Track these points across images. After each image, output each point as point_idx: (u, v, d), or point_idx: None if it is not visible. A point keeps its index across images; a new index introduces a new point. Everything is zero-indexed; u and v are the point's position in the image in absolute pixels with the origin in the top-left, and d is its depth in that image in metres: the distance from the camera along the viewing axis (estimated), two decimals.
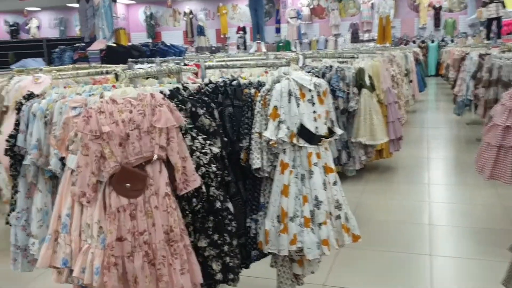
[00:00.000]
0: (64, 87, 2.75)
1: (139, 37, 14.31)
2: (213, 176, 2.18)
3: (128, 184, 1.96)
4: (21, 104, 2.67)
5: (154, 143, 2.00)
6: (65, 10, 13.42)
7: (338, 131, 2.61)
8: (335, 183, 2.52)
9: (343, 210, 2.52)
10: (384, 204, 4.93)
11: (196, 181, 2.06)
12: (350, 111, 4.74)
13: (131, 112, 2.01)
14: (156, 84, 2.40)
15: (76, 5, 9.45)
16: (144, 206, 1.97)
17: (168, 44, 8.57)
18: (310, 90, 2.46)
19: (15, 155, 2.66)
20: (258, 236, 2.50)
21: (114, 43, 8.41)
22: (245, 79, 2.72)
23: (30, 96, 2.73)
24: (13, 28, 14.33)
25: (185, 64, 6.22)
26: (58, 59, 8.21)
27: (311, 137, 2.42)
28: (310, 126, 2.43)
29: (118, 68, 4.48)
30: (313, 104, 2.47)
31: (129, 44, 8.91)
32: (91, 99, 2.17)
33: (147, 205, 1.97)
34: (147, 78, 2.53)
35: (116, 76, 2.13)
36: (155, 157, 1.99)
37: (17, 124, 2.65)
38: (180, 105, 2.19)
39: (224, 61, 4.41)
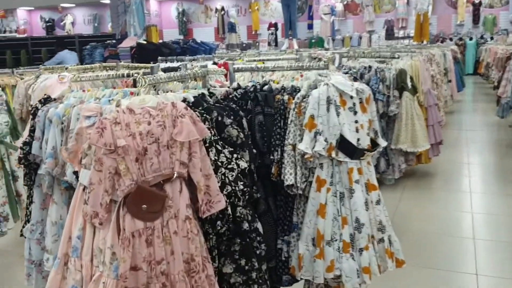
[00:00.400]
0: (83, 90, 2.53)
1: (171, 34, 14.19)
2: (240, 194, 1.92)
3: (144, 206, 1.71)
4: (37, 108, 2.46)
5: (175, 159, 1.75)
6: (99, 6, 13.40)
7: (383, 142, 2.31)
8: (378, 202, 2.22)
9: (386, 233, 2.22)
10: (422, 213, 4.58)
11: (220, 202, 1.80)
12: (390, 115, 4.39)
13: (149, 123, 1.76)
14: (179, 90, 2.15)
15: (108, 1, 9.33)
16: (162, 231, 1.72)
17: (198, 41, 8.36)
18: (351, 97, 2.16)
19: (30, 164, 2.46)
20: (290, 260, 2.22)
21: (145, 40, 8.25)
22: (277, 83, 2.44)
23: (46, 100, 2.52)
24: (48, 24, 14.38)
25: (215, 63, 5.99)
26: (89, 56, 8.10)
27: (352, 151, 2.12)
28: (351, 137, 2.13)
29: (141, 71, 4.27)
30: (355, 112, 2.17)
31: (160, 41, 8.74)
32: (107, 107, 1.93)
33: (165, 229, 1.72)
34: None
35: (134, 82, 1.88)
36: (175, 175, 1.74)
37: (32, 130, 2.45)
38: (205, 115, 1.93)
39: (254, 60, 4.14)
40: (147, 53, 7.36)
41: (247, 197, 1.97)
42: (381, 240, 2.20)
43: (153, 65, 2.78)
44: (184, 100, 2.02)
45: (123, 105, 1.83)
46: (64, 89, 2.57)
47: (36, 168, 2.47)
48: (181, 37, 12.98)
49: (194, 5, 14.52)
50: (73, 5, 13.36)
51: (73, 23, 14.45)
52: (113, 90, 2.42)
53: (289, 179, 2.12)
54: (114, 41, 8.27)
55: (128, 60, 7.44)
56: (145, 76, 1.89)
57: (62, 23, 14.51)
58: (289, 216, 2.25)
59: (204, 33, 14.21)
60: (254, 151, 2.12)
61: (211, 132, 1.91)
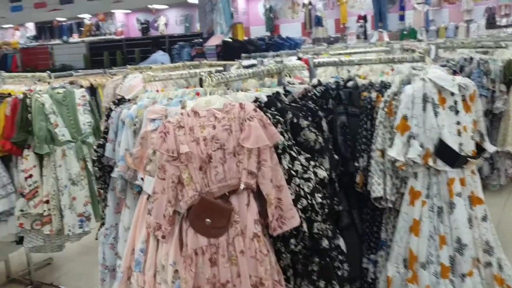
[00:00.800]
0: (157, 91, 2.39)
1: (259, 31, 14.07)
2: (318, 207, 1.65)
3: (208, 220, 1.50)
4: (110, 110, 2.36)
5: (242, 168, 1.52)
6: (189, 6, 13.61)
7: (490, 147, 1.91)
8: (484, 219, 1.84)
9: (495, 255, 1.84)
10: None
11: (294, 218, 1.54)
12: (496, 113, 3.85)
13: (214, 127, 1.55)
14: (252, 89, 1.92)
15: (197, 1, 9.40)
16: (227, 249, 1.50)
17: (284, 37, 8.12)
18: (452, 94, 1.81)
19: (103, 167, 2.37)
20: (377, 282, 1.91)
21: (230, 38, 8.17)
22: (363, 78, 2.13)
23: (120, 101, 2.42)
24: (144, 26, 14.88)
25: (299, 58, 5.73)
26: (177, 56, 8.19)
27: (453, 158, 1.77)
28: (452, 142, 1.77)
29: (213, 69, 4.12)
30: (457, 112, 1.81)
31: (245, 38, 8.63)
32: (172, 109, 1.75)
33: (231, 248, 1.50)
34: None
35: (200, 82, 1.68)
36: (242, 186, 1.52)
37: (105, 132, 2.35)
38: (277, 116, 1.68)
39: (340, 53, 3.82)
40: (232, 50, 7.26)
41: (326, 210, 1.70)
42: (489, 264, 1.82)
43: (226, 62, 2.58)
44: (256, 100, 1.79)
45: (188, 107, 1.64)
46: (139, 90, 2.45)
47: (110, 170, 2.37)
48: (268, 33, 12.82)
49: (281, 1, 14.30)
50: (166, 6, 13.70)
51: (166, 24, 14.82)
52: (185, 90, 2.26)
53: (377, 190, 1.82)
54: (201, 40, 8.29)
55: (214, 59, 7.40)
56: (212, 75, 1.68)
57: (156, 25, 14.94)
58: (376, 232, 1.93)
59: (290, 28, 13.94)
60: (336, 157, 1.84)
61: (284, 136, 1.66)
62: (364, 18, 14.63)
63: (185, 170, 1.52)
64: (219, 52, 7.52)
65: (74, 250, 3.95)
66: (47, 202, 2.98)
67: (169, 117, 1.73)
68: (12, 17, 11.13)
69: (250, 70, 1.93)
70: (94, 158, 2.35)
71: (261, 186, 1.53)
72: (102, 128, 2.84)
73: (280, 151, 1.63)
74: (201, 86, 1.70)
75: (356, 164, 1.89)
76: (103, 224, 2.48)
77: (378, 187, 1.81)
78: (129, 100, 2.46)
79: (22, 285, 3.58)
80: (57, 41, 13.38)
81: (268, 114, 1.67)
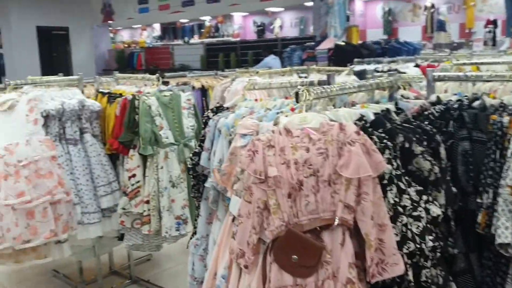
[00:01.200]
0: (255, 100, 2.24)
1: (375, 34, 13.49)
2: (429, 250, 1.37)
3: (295, 256, 1.31)
4: (208, 117, 2.25)
5: (337, 200, 1.30)
6: (305, 9, 13.47)
7: None
8: None
9: None
10: None
11: (398, 266, 1.28)
12: None
13: (308, 150, 1.34)
14: (357, 105, 1.67)
15: (312, 4, 9.21)
16: None
17: (402, 41, 7.62)
18: None
19: (198, 175, 2.27)
20: None
21: (344, 41, 7.85)
22: (492, 97, 1.78)
23: (218, 109, 2.31)
24: (259, 28, 15.04)
25: (417, 65, 5.27)
26: (287, 59, 8.06)
27: None
28: None
29: (316, 76, 3.87)
30: None
31: (360, 42, 8.25)
32: (264, 125, 1.58)
33: None
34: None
35: (297, 96, 1.48)
36: (336, 222, 1.29)
37: (202, 140, 2.26)
38: (385, 140, 1.43)
39: (464, 63, 3.38)
40: (344, 54, 6.96)
41: (438, 254, 1.41)
42: None
43: (336, 68, 2.35)
44: (361, 119, 1.55)
45: (281, 124, 1.45)
46: (237, 98, 2.32)
47: (204, 180, 2.27)
48: (385, 37, 12.22)
49: (402, 3, 13.57)
50: (282, 9, 13.67)
51: (281, 27, 14.82)
52: (284, 100, 2.07)
53: (503, 235, 1.48)
54: (313, 43, 8.08)
55: (325, 63, 7.16)
56: (310, 88, 1.48)
57: (271, 27, 15.02)
58: (500, 284, 1.59)
59: (409, 32, 13.17)
60: (454, 190, 1.54)
61: (392, 164, 1.40)
62: (493, 22, 13.35)
63: (273, 195, 1.34)
64: (331, 55, 7.25)
65: (175, 248, 3.98)
66: (147, 202, 3.00)
67: (260, 133, 1.56)
68: (139, 18, 11.86)
69: (356, 84, 1.69)
70: (189, 166, 2.27)
71: (359, 223, 1.29)
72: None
73: (385, 181, 1.38)
74: (297, 101, 1.50)
75: (479, 200, 1.56)
76: (194, 233, 2.40)
77: (505, 231, 1.47)
78: (227, 108, 2.34)
79: (122, 278, 3.68)
80: (179, 42, 14.02)
81: (374, 137, 1.42)
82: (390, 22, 13.89)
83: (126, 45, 14.69)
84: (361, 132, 1.34)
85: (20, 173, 2.71)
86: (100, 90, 3.48)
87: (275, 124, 1.48)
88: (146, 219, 3.00)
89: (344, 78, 4.28)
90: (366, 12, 14.55)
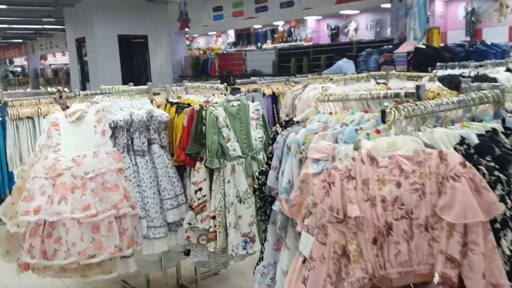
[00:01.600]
0: (330, 113, 1.98)
1: (456, 36, 12.66)
2: None
3: None
4: (276, 132, 2.03)
5: (437, 250, 1.01)
6: (381, 11, 12.94)
7: None
8: None
9: None
10: None
11: None
12: None
13: (399, 185, 1.07)
14: (455, 125, 1.36)
15: (389, 6, 8.73)
16: None
17: (488, 43, 6.97)
18: None
19: (265, 196, 2.05)
20: None
21: (424, 44, 7.32)
22: None
23: (288, 123, 2.07)
24: (333, 31, 14.67)
25: (508, 69, 4.72)
26: (363, 63, 7.65)
27: None
28: None
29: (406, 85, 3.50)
30: None
31: (441, 45, 7.66)
32: (341, 149, 1.32)
33: None
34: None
35: (383, 115, 1.20)
36: (436, 279, 1.01)
37: (269, 157, 2.03)
38: (496, 172, 1.12)
39: None
40: (425, 58, 6.46)
41: None
42: None
43: (417, 74, 2.03)
44: (463, 142, 1.24)
45: (363, 149, 1.18)
46: (309, 110, 2.06)
47: (272, 201, 2.05)
48: (467, 39, 11.39)
49: (487, 3, 12.61)
50: (357, 11, 13.22)
51: (356, 30, 14.36)
52: (363, 114, 1.79)
53: None
54: (391, 46, 7.62)
55: (403, 67, 6.69)
56: (400, 106, 1.19)
57: (345, 30, 14.58)
58: None
59: (495, 33, 12.19)
60: None
61: (506, 203, 1.09)
62: None
63: (353, 240, 1.08)
64: (410, 59, 6.77)
65: (243, 263, 3.79)
66: (213, 218, 2.82)
67: (336, 159, 1.29)
68: (214, 25, 11.93)
69: (456, 99, 1.37)
70: (256, 186, 2.05)
71: (466, 281, 1.00)
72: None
73: (498, 225, 1.07)
74: (383, 121, 1.22)
75: None
76: (261, 258, 2.18)
77: None
78: (297, 122, 2.10)
79: None
80: (252, 47, 13.96)
81: (481, 167, 1.11)
82: (473, 23, 12.95)
83: (201, 52, 14.88)
84: (468, 164, 1.04)
85: (87, 186, 2.63)
86: (169, 99, 3.37)
87: (356, 148, 1.21)
88: (212, 236, 2.82)
89: (428, 84, 3.89)
90: (447, 13, 13.68)
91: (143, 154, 2.98)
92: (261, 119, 2.99)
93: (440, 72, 4.93)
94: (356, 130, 1.66)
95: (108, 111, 2.86)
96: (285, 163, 1.93)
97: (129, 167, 2.90)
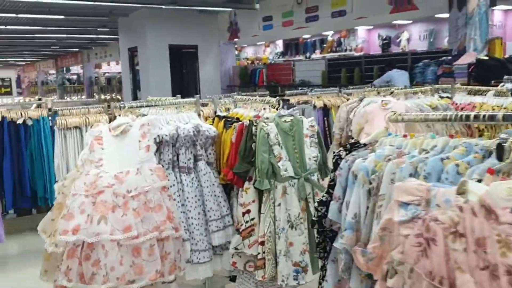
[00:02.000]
0: (404, 136, 1.67)
1: None
2: None
3: None
4: (339, 157, 1.74)
5: None
6: (436, 21, 12.37)
7: None
8: None
9: None
10: None
11: None
12: None
13: None
14: None
15: (447, 15, 8.22)
16: None
17: None
18: None
19: (324, 231, 1.76)
20: None
21: (486, 55, 6.79)
22: None
23: (353, 146, 1.78)
24: (385, 42, 14.17)
25: None
26: (420, 75, 7.19)
27: None
28: None
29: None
30: None
31: (505, 56, 7.10)
32: (440, 191, 1.01)
33: None
34: None
35: (500, 150, 0.89)
36: None
37: (331, 185, 1.74)
38: None
39: None
40: (488, 70, 5.97)
41: None
42: None
43: (480, 88, 1.69)
44: None
45: (472, 195, 0.87)
46: (379, 132, 1.76)
47: (333, 237, 1.76)
48: None
49: None
50: (410, 21, 12.70)
51: (408, 40, 13.81)
52: (447, 139, 1.48)
53: None
54: (449, 57, 7.12)
55: (464, 79, 6.21)
56: None
57: (397, 40, 14.05)
58: None
59: None
60: None
61: None
62: None
63: None
64: (471, 71, 6.28)
65: None
66: (262, 243, 2.55)
67: (432, 203, 0.99)
68: (263, 35, 11.76)
69: None
70: (314, 218, 1.77)
71: None
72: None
73: None
74: (499, 158, 0.91)
75: None
76: None
77: None
78: (364, 145, 1.80)
79: None
80: (300, 57, 13.70)
81: None
82: None
83: (249, 62, 14.75)
84: None
85: (129, 205, 2.43)
86: (218, 113, 3.15)
87: (461, 193, 0.91)
88: (261, 263, 2.55)
89: (500, 100, 3.48)
90: (506, 22, 12.91)
91: (188, 171, 2.76)
92: (316, 136, 2.71)
93: (508, 85, 4.47)
94: (442, 159, 1.35)
95: (153, 125, 2.66)
96: (350, 193, 1.64)
97: (173, 185, 2.69)
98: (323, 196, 1.75)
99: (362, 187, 1.59)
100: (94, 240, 2.31)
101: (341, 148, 1.75)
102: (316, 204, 1.76)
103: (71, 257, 2.31)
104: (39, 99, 7.94)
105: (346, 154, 1.72)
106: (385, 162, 1.56)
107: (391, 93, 3.68)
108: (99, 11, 10.82)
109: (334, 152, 1.73)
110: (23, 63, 27.11)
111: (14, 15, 9.82)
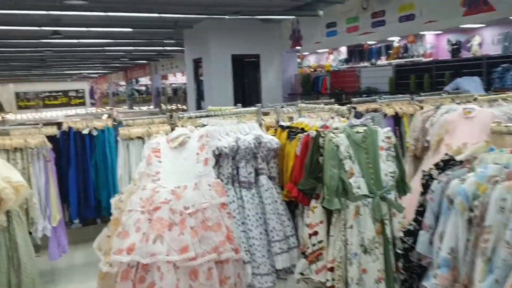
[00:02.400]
0: None
1: None
2: None
3: None
4: (430, 177, 1.42)
5: None
6: (509, 23, 11.43)
7: None
8: None
9: None
10: None
11: None
12: None
13: None
14: None
15: None
16: None
17: None
18: None
19: (412, 266, 1.45)
20: None
21: None
22: None
23: (447, 164, 1.45)
24: (454, 47, 13.33)
25: None
26: (498, 80, 6.56)
27: None
28: None
29: None
30: None
31: None
32: None
33: None
34: None
35: None
36: None
37: (419, 211, 1.43)
38: None
39: None
40: None
41: None
42: None
43: None
44: None
45: None
46: (478, 147, 1.43)
47: (421, 273, 1.44)
48: None
49: None
50: (482, 25, 11.82)
51: (480, 44, 12.90)
52: None
53: None
54: None
55: None
56: None
57: (468, 45, 13.17)
58: None
59: None
60: None
61: None
62: None
63: None
64: None
65: None
66: (331, 270, 2.25)
67: None
68: (327, 42, 11.41)
69: None
70: (399, 251, 1.46)
71: None
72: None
73: None
74: None
75: None
76: None
77: None
78: (460, 162, 1.47)
79: None
80: (365, 64, 13.21)
81: None
82: None
83: (312, 70, 14.44)
84: None
85: (186, 223, 2.23)
86: (280, 122, 2.89)
87: None
88: None
89: None
90: None
91: (249, 186, 2.52)
92: (393, 149, 2.37)
93: None
94: None
95: (212, 137, 2.46)
96: (444, 222, 1.32)
97: (233, 201, 2.46)
98: (410, 225, 1.44)
99: (461, 216, 1.27)
100: (149, 261, 2.13)
101: (432, 166, 1.43)
102: (401, 235, 1.45)
103: (125, 280, 2.14)
104: (110, 109, 8.10)
105: (439, 174, 1.40)
106: (490, 184, 1.23)
107: (475, 99, 3.25)
108: (165, 23, 10.98)
109: (423, 171, 1.41)
110: (96, 75, 28.41)
111: (85, 28, 10.17)
